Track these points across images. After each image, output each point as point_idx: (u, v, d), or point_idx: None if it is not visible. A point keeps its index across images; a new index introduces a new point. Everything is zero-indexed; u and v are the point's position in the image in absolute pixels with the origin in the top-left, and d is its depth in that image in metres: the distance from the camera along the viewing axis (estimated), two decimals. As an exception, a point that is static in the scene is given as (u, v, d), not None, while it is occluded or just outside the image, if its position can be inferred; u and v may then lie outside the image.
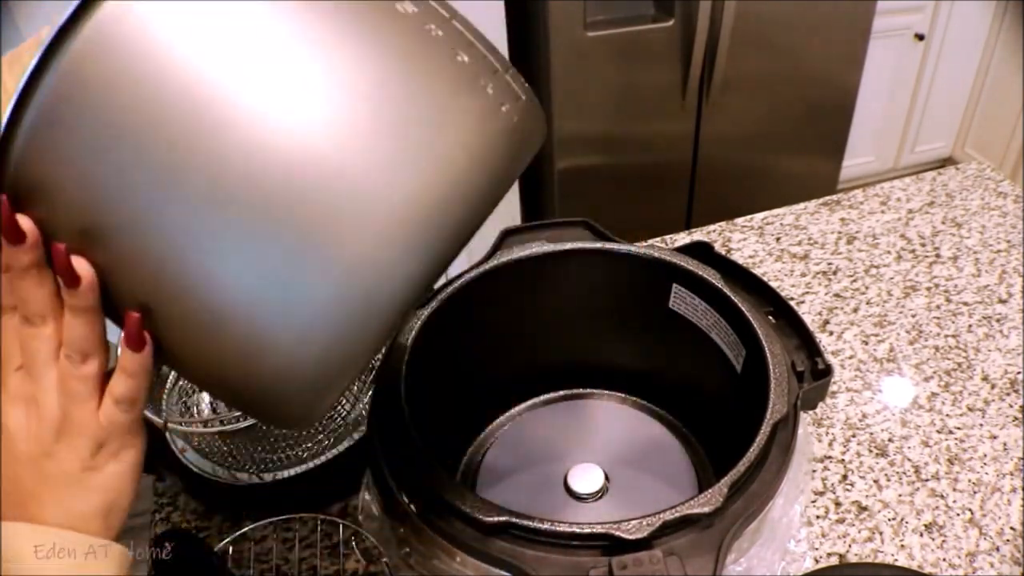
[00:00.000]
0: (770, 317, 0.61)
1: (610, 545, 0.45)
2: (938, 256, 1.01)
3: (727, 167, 2.03)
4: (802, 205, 1.11)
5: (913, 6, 2.16)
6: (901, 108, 2.38)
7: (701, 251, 0.66)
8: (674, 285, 0.64)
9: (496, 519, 0.46)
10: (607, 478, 0.65)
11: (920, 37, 2.22)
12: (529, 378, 0.75)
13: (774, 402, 0.52)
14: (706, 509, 0.46)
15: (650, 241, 0.77)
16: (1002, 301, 0.94)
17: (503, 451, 0.71)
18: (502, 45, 1.78)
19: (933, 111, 2.41)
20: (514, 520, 0.46)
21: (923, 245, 1.03)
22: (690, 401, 0.71)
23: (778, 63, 1.90)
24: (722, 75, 1.82)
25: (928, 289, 0.96)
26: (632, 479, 0.67)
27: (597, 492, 0.65)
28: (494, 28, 1.75)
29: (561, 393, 0.76)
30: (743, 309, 0.59)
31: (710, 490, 0.47)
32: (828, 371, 0.56)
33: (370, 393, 0.58)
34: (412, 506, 0.49)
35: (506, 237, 0.68)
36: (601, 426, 0.73)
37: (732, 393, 0.62)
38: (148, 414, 0.64)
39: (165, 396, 0.75)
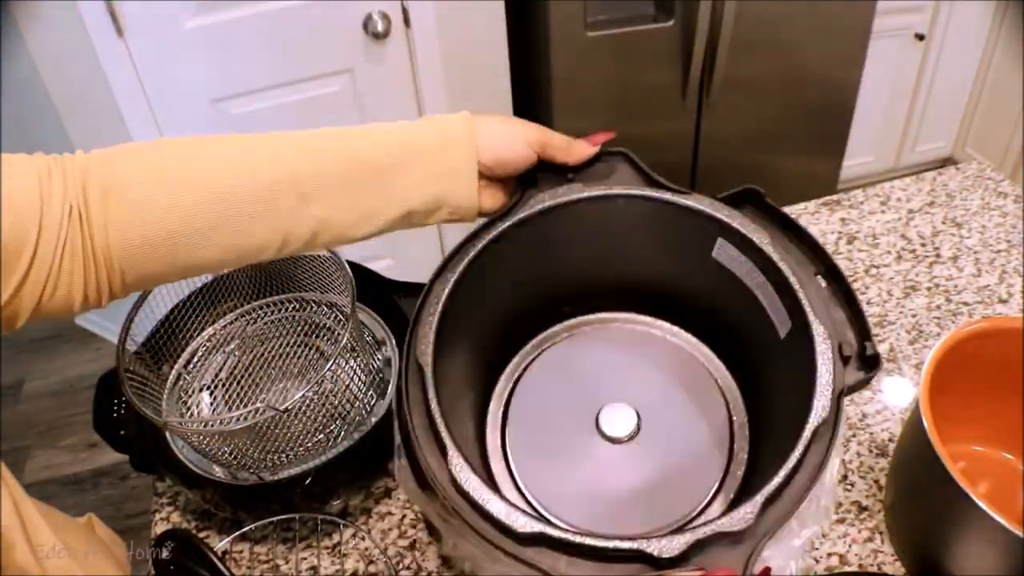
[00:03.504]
0: (819, 279, 0.58)
1: (642, 559, 0.46)
2: (938, 256, 1.01)
3: (727, 167, 2.03)
4: (802, 205, 1.11)
5: (913, 6, 2.16)
6: (901, 108, 2.38)
7: (751, 199, 0.61)
8: (719, 239, 0.60)
9: (530, 531, 0.46)
10: (639, 417, 0.64)
11: (920, 37, 2.22)
12: (571, 301, 0.71)
13: (819, 399, 0.50)
14: (739, 527, 0.46)
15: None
16: (1002, 301, 0.94)
17: (540, 379, 0.68)
18: (502, 45, 1.79)
19: (933, 111, 2.41)
20: (547, 532, 0.46)
21: (923, 245, 1.03)
22: (733, 344, 0.67)
23: (778, 63, 1.89)
24: (722, 75, 1.82)
25: (928, 289, 0.96)
26: (664, 420, 0.64)
27: (628, 436, 0.63)
28: (494, 28, 1.75)
29: (601, 316, 0.72)
30: (792, 282, 0.55)
31: (744, 507, 0.47)
32: (876, 362, 0.53)
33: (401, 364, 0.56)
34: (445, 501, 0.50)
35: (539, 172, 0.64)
36: (640, 357, 0.69)
37: (775, 354, 0.59)
38: (148, 413, 0.64)
39: (165, 396, 0.75)
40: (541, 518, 0.51)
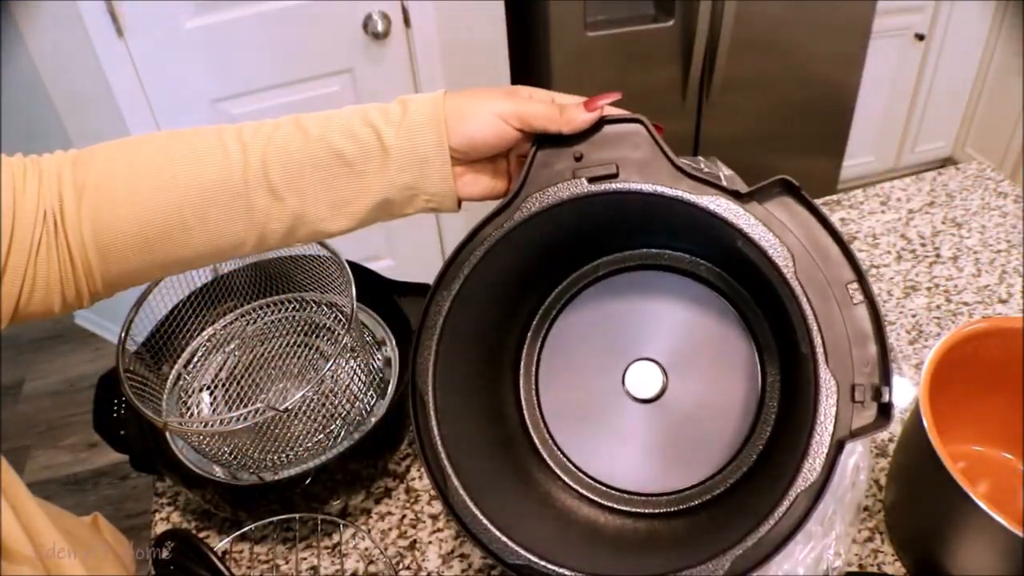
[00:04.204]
0: (850, 290, 0.51)
1: None
2: (938, 256, 1.01)
3: (727, 167, 2.03)
4: (802, 205, 1.11)
5: (913, 6, 2.16)
6: (901, 108, 2.38)
7: (786, 189, 0.52)
8: (739, 242, 0.53)
9: (517, 561, 0.50)
10: (666, 376, 0.62)
11: (920, 37, 2.22)
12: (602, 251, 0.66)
13: (810, 458, 0.48)
14: None
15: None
16: (1002, 301, 0.94)
17: (572, 325, 0.65)
18: (502, 45, 1.79)
19: (933, 111, 2.41)
20: (534, 562, 0.50)
21: (923, 245, 1.03)
22: (767, 304, 0.61)
23: (778, 63, 1.89)
24: (722, 75, 1.82)
25: (928, 289, 0.96)
26: (692, 378, 0.62)
27: (654, 396, 0.62)
28: (494, 28, 1.75)
29: (638, 262, 0.65)
30: (808, 314, 0.50)
31: (711, 563, 0.48)
32: (888, 412, 0.49)
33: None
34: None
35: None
36: (671, 309, 0.64)
37: (800, 356, 0.55)
38: (148, 413, 0.64)
39: (165, 396, 0.75)
40: (528, 549, 0.52)
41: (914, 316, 0.93)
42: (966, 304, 0.93)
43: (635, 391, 0.62)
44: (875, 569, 0.69)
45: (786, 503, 0.48)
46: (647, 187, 0.53)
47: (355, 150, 0.51)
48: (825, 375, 0.49)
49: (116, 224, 0.49)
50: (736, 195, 0.52)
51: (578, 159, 0.54)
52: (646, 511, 0.61)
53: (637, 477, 0.62)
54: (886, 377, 0.49)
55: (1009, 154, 2.34)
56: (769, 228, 0.51)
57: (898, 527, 0.70)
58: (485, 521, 0.52)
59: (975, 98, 2.42)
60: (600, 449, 0.63)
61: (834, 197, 1.12)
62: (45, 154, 0.50)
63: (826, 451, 0.48)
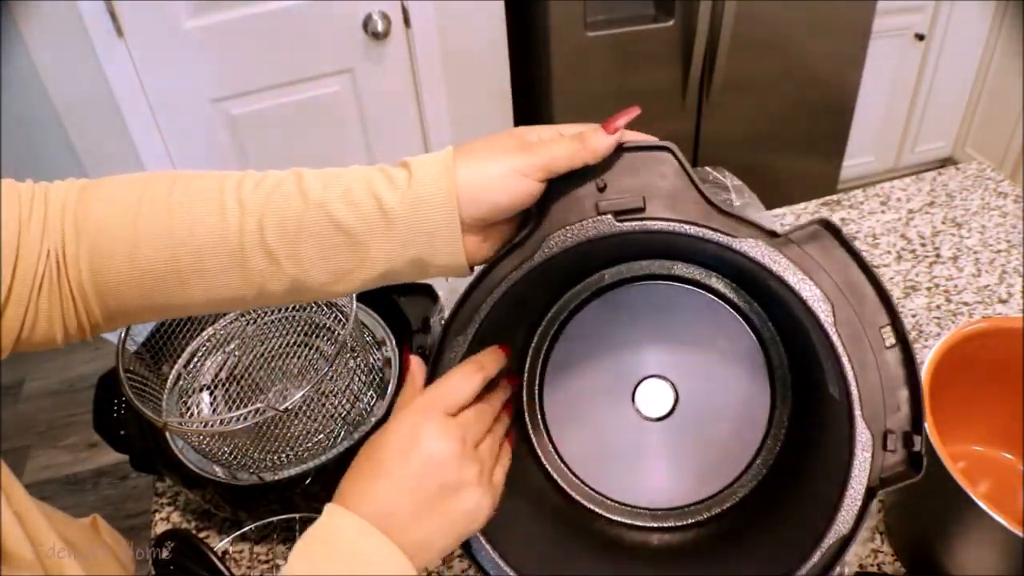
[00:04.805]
0: (883, 333, 0.48)
1: None
2: (938, 256, 1.01)
3: (727, 167, 2.03)
4: (802, 205, 1.11)
5: (913, 6, 2.16)
6: (901, 108, 2.38)
7: (825, 228, 0.49)
8: (771, 282, 0.50)
9: None
10: (676, 393, 0.59)
11: (920, 37, 2.22)
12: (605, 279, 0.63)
13: (844, 511, 0.47)
14: None
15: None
16: (1002, 301, 0.94)
17: (575, 348, 0.62)
18: (502, 45, 1.79)
19: (933, 111, 2.41)
20: None
21: (923, 245, 1.03)
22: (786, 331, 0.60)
23: (778, 63, 1.89)
24: (722, 75, 1.82)
25: (928, 289, 0.96)
26: (702, 393, 0.60)
27: (664, 415, 0.60)
28: (494, 28, 1.75)
29: (645, 272, 0.62)
30: (847, 368, 0.48)
31: None
32: (919, 463, 0.47)
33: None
34: None
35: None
36: (679, 323, 0.61)
37: (816, 376, 0.54)
38: (148, 413, 0.64)
39: (165, 396, 0.75)
40: None
41: (914, 316, 0.93)
42: (966, 304, 0.93)
43: (646, 411, 0.61)
44: (875, 569, 0.69)
45: (818, 554, 0.48)
46: (679, 227, 0.49)
47: (355, 220, 0.47)
48: (861, 427, 0.48)
49: (113, 267, 0.48)
50: (772, 235, 0.49)
51: (601, 189, 0.50)
52: (666, 525, 0.61)
53: (650, 492, 0.62)
54: (918, 424, 0.47)
55: (1009, 154, 2.34)
56: (808, 274, 0.49)
57: (898, 527, 0.70)
58: (480, 542, 0.52)
59: (975, 98, 2.42)
60: (623, 476, 0.62)
61: (834, 197, 1.12)
62: (56, 180, 0.50)
63: (860, 503, 0.48)
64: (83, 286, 0.48)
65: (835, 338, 0.48)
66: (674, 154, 0.50)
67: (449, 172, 0.47)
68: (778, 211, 1.10)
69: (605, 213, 0.49)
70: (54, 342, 0.49)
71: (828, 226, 0.49)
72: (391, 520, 0.45)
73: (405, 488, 0.45)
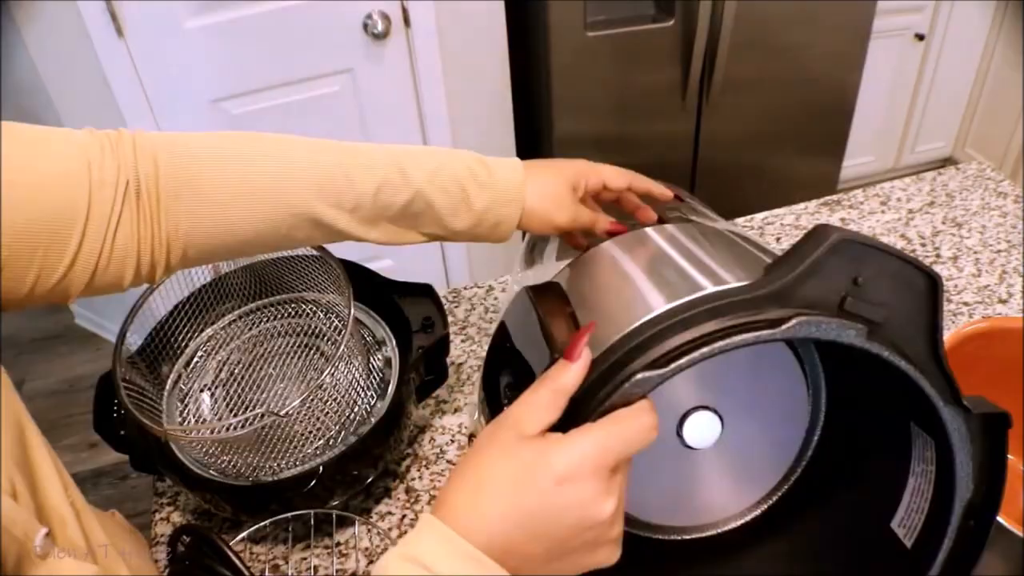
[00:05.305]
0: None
1: None
2: (938, 256, 1.01)
3: (727, 167, 2.03)
4: (802, 205, 1.11)
5: (913, 6, 2.16)
6: (901, 108, 2.38)
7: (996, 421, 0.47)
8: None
9: None
10: (722, 421, 0.54)
11: (920, 37, 2.22)
12: None
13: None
14: None
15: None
16: (1002, 301, 0.94)
17: None
18: (502, 45, 1.79)
19: (933, 111, 2.41)
20: None
21: (923, 245, 1.03)
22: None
23: (778, 63, 1.90)
24: (722, 75, 1.82)
25: (928, 289, 0.96)
26: (744, 419, 0.58)
27: (711, 447, 0.56)
28: (494, 28, 1.75)
29: None
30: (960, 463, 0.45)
31: None
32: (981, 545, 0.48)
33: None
34: None
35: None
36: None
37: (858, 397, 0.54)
38: (147, 423, 0.64)
39: (165, 397, 0.75)
40: None
41: (914, 316, 0.92)
42: (966, 304, 0.93)
43: (693, 443, 0.55)
44: (875, 569, 0.69)
45: None
46: (749, 337, 0.40)
47: (446, 204, 0.60)
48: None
49: (212, 222, 0.53)
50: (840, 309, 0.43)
51: (856, 283, 0.42)
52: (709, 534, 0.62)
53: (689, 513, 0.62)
54: (992, 503, 0.49)
55: (1009, 154, 2.34)
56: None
57: (898, 527, 0.70)
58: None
59: (975, 98, 2.42)
60: (663, 500, 0.62)
61: (834, 197, 1.12)
62: (122, 130, 0.51)
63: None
64: (178, 230, 0.52)
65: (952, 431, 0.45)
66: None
67: (518, 172, 0.63)
68: (778, 211, 1.10)
69: (853, 319, 0.41)
70: (120, 284, 0.51)
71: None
72: (522, 564, 0.40)
73: (548, 535, 0.40)
